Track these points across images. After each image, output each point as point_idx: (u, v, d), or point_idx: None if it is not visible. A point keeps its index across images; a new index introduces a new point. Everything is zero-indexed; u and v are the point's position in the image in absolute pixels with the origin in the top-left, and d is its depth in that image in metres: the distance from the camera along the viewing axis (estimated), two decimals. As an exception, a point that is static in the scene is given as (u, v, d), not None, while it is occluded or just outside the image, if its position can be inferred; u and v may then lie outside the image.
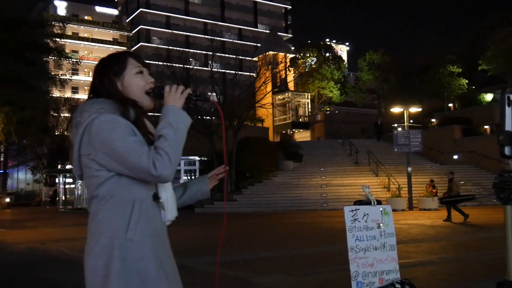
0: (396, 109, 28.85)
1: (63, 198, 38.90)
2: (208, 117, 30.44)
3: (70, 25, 44.93)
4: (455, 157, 31.05)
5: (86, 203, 1.97)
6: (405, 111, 27.18)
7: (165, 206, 2.01)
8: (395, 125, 34.72)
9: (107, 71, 2.06)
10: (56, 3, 67.03)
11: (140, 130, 1.94)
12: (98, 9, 72.81)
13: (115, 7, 76.40)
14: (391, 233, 2.81)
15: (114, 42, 71.31)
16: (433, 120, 40.52)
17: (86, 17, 70.36)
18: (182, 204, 2.31)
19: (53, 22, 26.66)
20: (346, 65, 65.76)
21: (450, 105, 48.26)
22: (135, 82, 2.06)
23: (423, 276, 6.83)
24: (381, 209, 2.79)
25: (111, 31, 71.86)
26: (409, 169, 23.42)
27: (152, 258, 1.87)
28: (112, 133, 1.83)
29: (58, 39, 25.92)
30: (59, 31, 26.47)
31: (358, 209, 2.69)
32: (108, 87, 2.03)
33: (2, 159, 44.03)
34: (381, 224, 2.75)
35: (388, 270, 2.68)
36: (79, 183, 35.71)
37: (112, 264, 1.81)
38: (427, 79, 44.74)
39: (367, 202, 2.76)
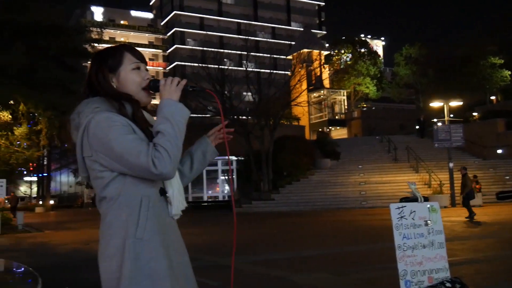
0: (435, 104, 28.30)
1: (104, 200, 39.70)
2: (244, 117, 30.53)
3: (107, 30, 45.90)
4: (499, 151, 30.19)
5: (97, 205, 1.95)
6: (445, 106, 26.67)
7: (171, 200, 1.96)
8: (435, 120, 34.07)
9: (102, 67, 1.99)
10: (93, 9, 68.48)
11: (139, 124, 1.90)
12: (134, 13, 73.99)
13: (149, 10, 77.48)
14: (439, 231, 2.74)
15: (150, 45, 72.34)
16: (474, 113, 39.50)
17: (122, 22, 71.63)
18: (196, 173, 2.23)
19: (90, 28, 27.18)
20: (382, 60, 64.90)
21: (493, 97, 47.00)
22: (131, 78, 2.00)
23: (470, 275, 6.66)
24: (428, 206, 2.72)
25: (147, 34, 72.94)
26: (451, 164, 22.91)
27: (163, 256, 1.83)
28: (108, 133, 1.78)
29: (96, 44, 26.38)
30: (96, 37, 26.94)
31: (405, 206, 2.63)
32: (102, 83, 1.97)
33: (45, 163, 45.31)
34: (428, 222, 2.68)
35: (437, 268, 2.62)
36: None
37: (124, 265, 1.78)
38: (467, 71, 43.64)
39: (413, 199, 2.69)
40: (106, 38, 56.87)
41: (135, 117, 1.93)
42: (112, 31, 66.63)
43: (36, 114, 23.44)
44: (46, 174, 45.64)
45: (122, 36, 70.50)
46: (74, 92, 24.18)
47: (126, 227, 1.82)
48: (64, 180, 67.58)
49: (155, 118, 1.95)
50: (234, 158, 31.61)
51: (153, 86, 2.00)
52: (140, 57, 2.05)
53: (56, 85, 20.64)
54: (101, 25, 30.92)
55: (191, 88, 2.05)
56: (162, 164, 1.74)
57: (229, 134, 2.26)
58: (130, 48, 2.06)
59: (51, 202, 43.70)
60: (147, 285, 1.78)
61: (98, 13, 69.30)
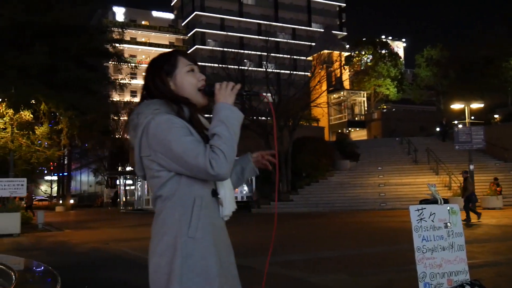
0: (456, 106, 27.95)
1: (124, 199, 40.03)
2: (263, 118, 30.51)
3: (128, 30, 46.24)
4: (521, 154, 29.74)
5: (151, 203, 2.01)
6: (466, 107, 26.31)
7: (223, 202, 2.03)
8: (456, 122, 33.67)
9: (159, 71, 2.09)
10: (115, 9, 69.11)
11: (196, 127, 1.97)
12: (155, 13, 74.54)
13: (171, 11, 77.97)
14: (459, 233, 2.70)
15: (171, 45, 72.74)
16: (496, 116, 39.00)
17: (143, 22, 72.20)
18: (234, 187, 2.28)
19: (112, 28, 27.41)
20: (403, 61, 64.36)
21: (515, 100, 46.28)
22: (187, 80, 2.08)
23: (491, 277, 6.56)
24: (448, 208, 2.68)
25: (168, 35, 73.40)
26: (471, 167, 22.62)
27: (214, 255, 1.89)
28: (168, 134, 1.86)
29: (117, 45, 26.59)
30: (118, 37, 27.16)
31: (425, 208, 2.59)
32: (160, 88, 2.06)
33: (66, 162, 45.82)
34: (448, 224, 2.64)
35: (457, 271, 2.58)
36: (139, 184, 36.63)
37: (175, 262, 1.83)
38: (489, 73, 43.03)
39: (433, 201, 2.65)
40: (127, 38, 57.47)
41: (192, 120, 2.01)
42: (133, 31, 67.18)
43: (57, 114, 23.72)
44: (66, 174, 46.13)
45: (143, 37, 71.05)
46: (95, 92, 24.42)
47: (179, 226, 1.89)
48: (84, 180, 68.31)
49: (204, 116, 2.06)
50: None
51: (208, 91, 2.09)
52: (193, 60, 2.16)
53: (77, 85, 20.87)
54: (123, 26, 31.19)
55: (245, 93, 2.14)
56: (219, 165, 1.82)
57: (270, 162, 2.33)
58: (183, 52, 2.17)
59: (71, 201, 44.13)
60: (198, 283, 1.84)
61: (119, 13, 69.94)
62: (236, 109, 1.97)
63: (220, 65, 30.89)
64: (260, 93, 2.35)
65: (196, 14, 70.60)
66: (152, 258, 1.91)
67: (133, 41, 68.17)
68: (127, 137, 2.06)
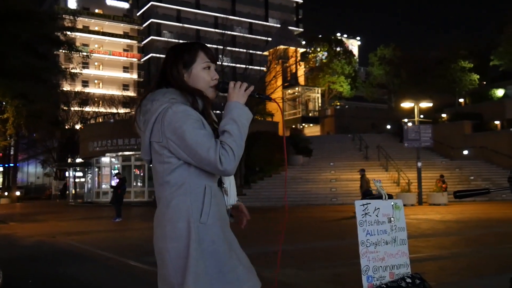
0: (406, 104, 28.68)
1: (73, 192, 39.13)
2: (218, 111, 30.42)
3: (80, 18, 45.09)
4: (465, 152, 30.88)
5: (155, 190, 2.13)
6: (415, 106, 27.01)
7: (228, 191, 2.20)
8: (406, 120, 34.56)
9: (178, 61, 2.15)
10: (67, -4, 67.12)
11: (207, 119, 2.06)
12: (109, 2, 72.78)
13: (126, 0, 76.38)
14: (402, 228, 2.77)
15: (125, 35, 71.37)
16: (443, 115, 40.27)
17: (96, 10, 70.40)
18: None
19: (64, 15, 26.67)
20: (357, 59, 65.34)
21: (461, 100, 47.93)
22: (202, 76, 2.16)
23: (434, 271, 6.78)
24: (392, 203, 2.75)
25: (122, 24, 71.88)
26: (419, 164, 23.31)
27: (223, 240, 2.02)
28: (183, 124, 1.94)
29: (68, 32, 25.90)
30: (69, 24, 26.49)
31: (369, 203, 2.65)
32: (176, 77, 2.13)
33: (12, 153, 44.32)
34: (392, 219, 2.71)
35: (398, 264, 2.65)
36: (89, 176, 35.86)
37: (191, 246, 1.93)
38: (439, 74, 44.37)
39: (378, 196, 2.72)
40: (80, 26, 56.03)
41: (205, 112, 2.10)
42: (86, 19, 65.44)
43: (3, 103, 22.94)
44: (12, 165, 44.57)
45: (96, 25, 69.40)
46: (45, 81, 23.74)
47: (191, 212, 1.98)
48: (31, 171, 66.27)
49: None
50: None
51: (221, 88, 2.17)
52: (212, 58, 2.23)
53: (26, 73, 20.23)
54: (75, 13, 30.40)
55: (257, 95, 2.25)
56: (227, 162, 1.93)
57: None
58: (204, 47, 2.23)
59: (17, 193, 42.63)
60: (209, 266, 1.96)
61: (72, 0, 67.92)
62: (247, 109, 2.09)
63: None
64: (271, 98, 2.43)
65: (152, 4, 69.43)
66: (168, 244, 1.97)
67: (86, 30, 66.45)
68: (136, 120, 2.12)
